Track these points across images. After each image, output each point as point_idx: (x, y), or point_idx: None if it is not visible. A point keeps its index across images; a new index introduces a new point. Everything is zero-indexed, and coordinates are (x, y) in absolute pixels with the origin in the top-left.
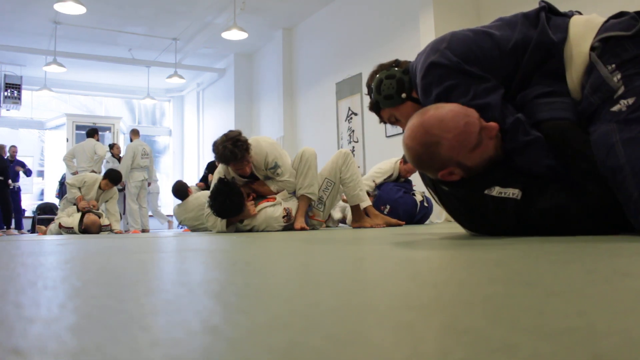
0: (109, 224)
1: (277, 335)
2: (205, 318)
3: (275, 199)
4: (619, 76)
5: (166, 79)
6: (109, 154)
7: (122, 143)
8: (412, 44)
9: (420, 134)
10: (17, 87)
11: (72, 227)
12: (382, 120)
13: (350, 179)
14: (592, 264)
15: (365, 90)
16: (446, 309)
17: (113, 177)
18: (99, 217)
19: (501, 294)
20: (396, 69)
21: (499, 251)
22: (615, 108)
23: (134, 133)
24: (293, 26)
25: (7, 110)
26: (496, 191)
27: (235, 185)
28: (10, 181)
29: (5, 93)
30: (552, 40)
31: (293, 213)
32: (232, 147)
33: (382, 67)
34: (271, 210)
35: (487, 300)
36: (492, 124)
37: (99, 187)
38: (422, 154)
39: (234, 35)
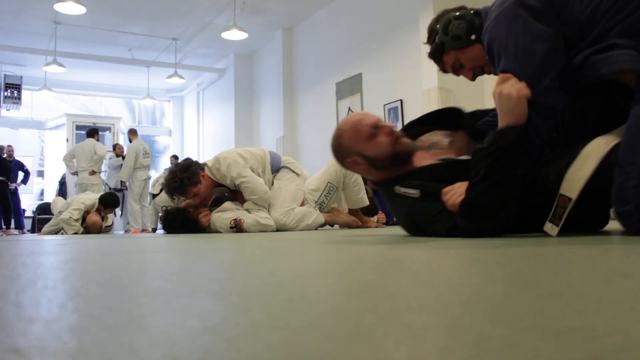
0: (111, 224)
1: (277, 335)
2: (205, 318)
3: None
4: None
5: (166, 79)
6: (110, 153)
7: (122, 143)
8: (412, 45)
9: (335, 131)
10: (17, 87)
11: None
12: (443, 67)
13: (355, 183)
14: (592, 264)
15: (364, 90)
16: (446, 309)
17: (110, 203)
18: (102, 220)
19: (501, 294)
20: (471, 12)
21: (498, 251)
22: None
23: (133, 133)
24: (293, 26)
25: (7, 110)
26: (397, 189)
27: (183, 211)
28: (8, 182)
29: (5, 93)
30: None
31: (243, 225)
32: (174, 186)
33: (448, 11)
34: (217, 215)
35: (487, 300)
36: (388, 124)
37: (97, 209)
38: (334, 145)
39: (234, 35)
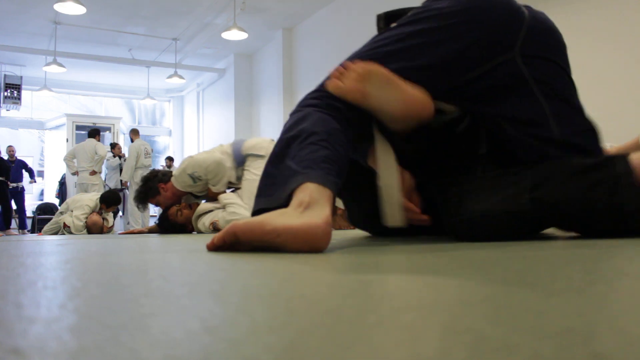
0: (112, 226)
1: (277, 336)
2: (205, 318)
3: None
4: None
5: (166, 79)
6: (109, 154)
7: (122, 143)
8: None
9: None
10: (17, 87)
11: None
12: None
13: None
14: (592, 264)
15: None
16: (446, 309)
17: (112, 201)
18: (103, 220)
19: (501, 294)
20: None
21: (498, 251)
22: None
23: (135, 133)
24: (293, 26)
25: (7, 110)
26: None
27: (165, 211)
28: (9, 181)
29: (5, 93)
30: None
31: (219, 226)
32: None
33: None
34: (200, 223)
35: (487, 300)
36: None
37: (100, 208)
38: None
39: (234, 35)
